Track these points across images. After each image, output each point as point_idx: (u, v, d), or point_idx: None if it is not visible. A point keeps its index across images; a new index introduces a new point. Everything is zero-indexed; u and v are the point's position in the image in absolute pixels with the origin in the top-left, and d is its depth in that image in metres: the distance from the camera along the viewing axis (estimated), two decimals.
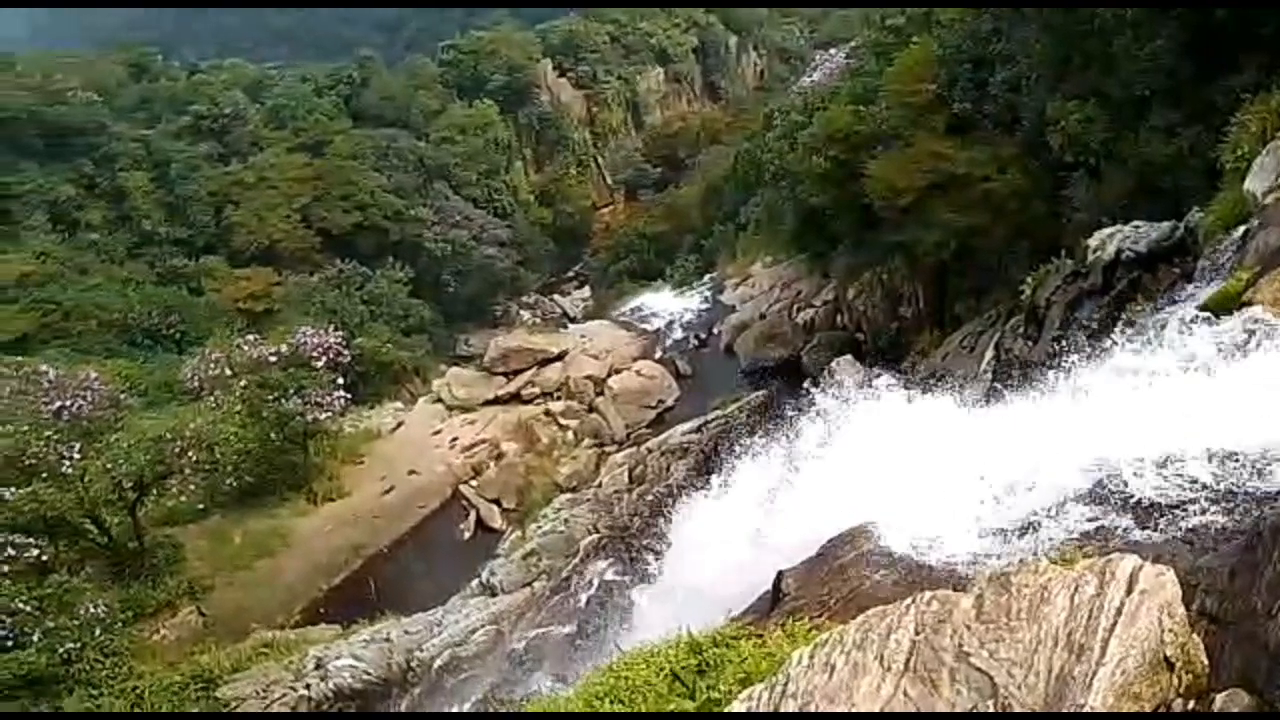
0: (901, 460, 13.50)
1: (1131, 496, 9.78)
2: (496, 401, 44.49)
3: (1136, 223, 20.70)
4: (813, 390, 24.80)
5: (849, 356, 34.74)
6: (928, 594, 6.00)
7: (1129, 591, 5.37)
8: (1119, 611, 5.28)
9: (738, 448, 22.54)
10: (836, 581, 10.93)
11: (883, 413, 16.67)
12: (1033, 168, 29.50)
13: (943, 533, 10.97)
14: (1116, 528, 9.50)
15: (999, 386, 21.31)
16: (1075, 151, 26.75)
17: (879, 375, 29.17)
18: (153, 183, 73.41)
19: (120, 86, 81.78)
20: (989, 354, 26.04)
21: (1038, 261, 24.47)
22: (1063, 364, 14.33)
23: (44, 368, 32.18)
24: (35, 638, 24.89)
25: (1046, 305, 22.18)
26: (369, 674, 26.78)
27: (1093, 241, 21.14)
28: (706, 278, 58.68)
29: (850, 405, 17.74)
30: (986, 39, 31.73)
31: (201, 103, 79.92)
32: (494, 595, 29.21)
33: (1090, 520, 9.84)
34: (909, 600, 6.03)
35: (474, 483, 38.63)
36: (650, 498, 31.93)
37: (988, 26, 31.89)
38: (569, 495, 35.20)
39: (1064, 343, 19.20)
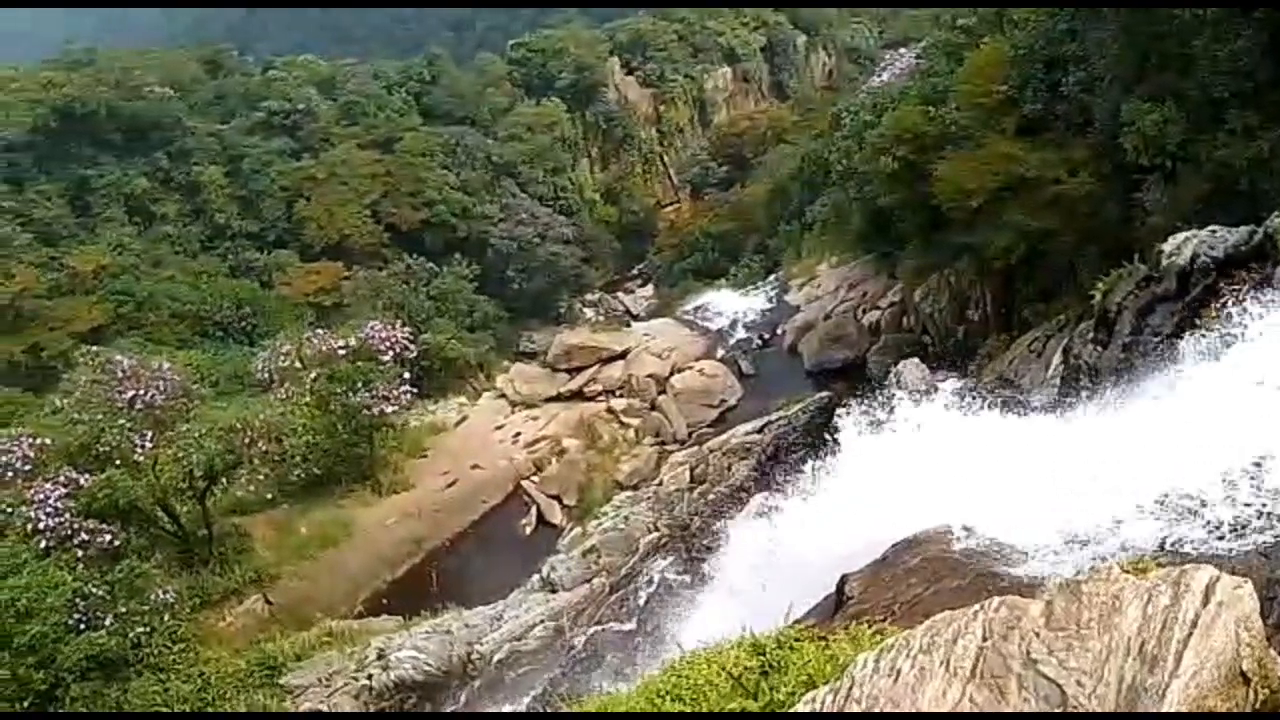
0: (969, 465, 13.37)
1: (1207, 506, 9.62)
2: (559, 398, 44.67)
3: (1213, 227, 20.29)
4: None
5: (915, 360, 34.30)
6: (996, 599, 5.93)
7: (1205, 603, 5.27)
8: (1194, 623, 5.19)
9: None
10: (901, 586, 10.85)
11: (949, 417, 16.53)
12: (1105, 170, 29.00)
13: (1011, 539, 10.86)
14: (1191, 538, 9.35)
15: (1067, 393, 21.04)
16: (1150, 154, 26.28)
17: (945, 379, 28.92)
18: (226, 177, 74.88)
19: (195, 82, 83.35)
20: (1057, 359, 25.68)
21: (1109, 266, 24.08)
22: (1133, 370, 14.12)
23: (118, 357, 32.69)
24: (107, 621, 25.40)
25: (1117, 310, 21.80)
26: (429, 666, 27.02)
27: (1167, 246, 20.74)
28: (771, 277, 58.35)
29: (916, 410, 17.60)
30: (1060, 40, 31.29)
31: (275, 99, 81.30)
32: (554, 591, 29.36)
33: (1164, 529, 9.69)
34: (977, 606, 5.97)
35: (535, 478, 38.82)
36: (711, 497, 31.91)
37: (1062, 27, 31.44)
38: (629, 493, 35.27)
39: (1135, 349, 18.90)
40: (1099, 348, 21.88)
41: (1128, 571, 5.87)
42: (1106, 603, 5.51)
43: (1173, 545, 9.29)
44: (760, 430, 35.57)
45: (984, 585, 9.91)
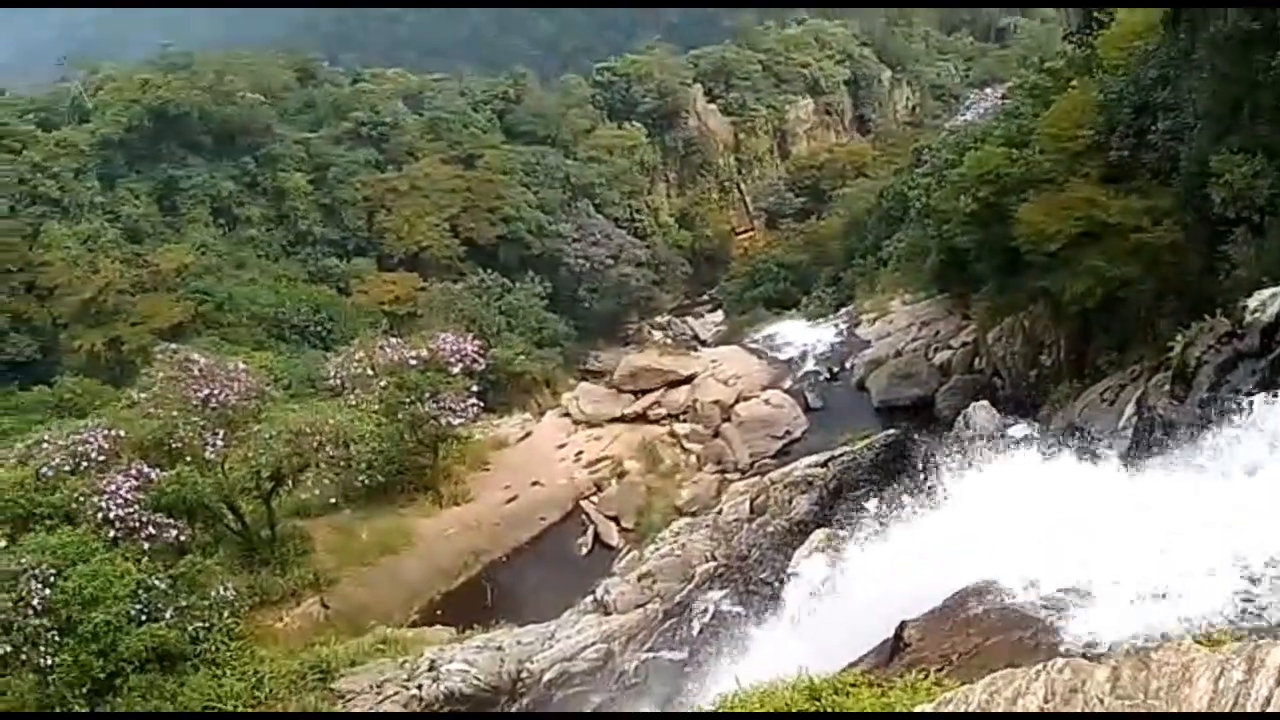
0: (1035, 515, 13.12)
1: None
2: (622, 419, 44.57)
3: None
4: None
5: (984, 402, 33.85)
6: (1060, 660, 5.82)
7: (1279, 683, 5.12)
8: (1266, 702, 5.03)
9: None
10: (960, 636, 10.66)
11: (1018, 466, 16.26)
12: (1190, 221, 28.45)
13: (1076, 595, 10.63)
14: (1267, 607, 9.08)
15: (1139, 445, 20.63)
16: (1238, 206, 25.72)
17: (1014, 424, 28.48)
18: (311, 184, 76.34)
19: (286, 90, 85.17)
20: (1129, 410, 25.19)
21: (1189, 318, 23.61)
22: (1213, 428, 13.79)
23: (195, 356, 33.16)
24: (167, 614, 25.82)
25: (1196, 365, 21.34)
26: (479, 680, 27.05)
27: (1252, 302, 20.30)
28: (842, 311, 57.78)
29: (983, 456, 17.34)
30: (1151, 86, 30.83)
31: (363, 110, 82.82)
32: (607, 613, 29.24)
33: (1240, 598, 9.42)
34: (1039, 665, 5.85)
35: (595, 498, 38.78)
36: (770, 530, 31.61)
37: (1153, 73, 30.99)
38: (688, 519, 35.00)
39: (1213, 405, 18.47)
40: (1175, 401, 21.44)
41: (1200, 642, 5.73)
42: (1176, 673, 5.37)
43: (1248, 614, 9.04)
44: (824, 464, 35.12)
45: (1045, 641, 9.71)
